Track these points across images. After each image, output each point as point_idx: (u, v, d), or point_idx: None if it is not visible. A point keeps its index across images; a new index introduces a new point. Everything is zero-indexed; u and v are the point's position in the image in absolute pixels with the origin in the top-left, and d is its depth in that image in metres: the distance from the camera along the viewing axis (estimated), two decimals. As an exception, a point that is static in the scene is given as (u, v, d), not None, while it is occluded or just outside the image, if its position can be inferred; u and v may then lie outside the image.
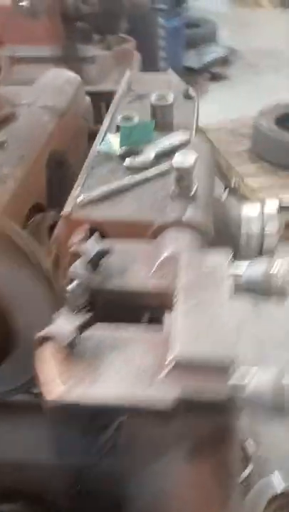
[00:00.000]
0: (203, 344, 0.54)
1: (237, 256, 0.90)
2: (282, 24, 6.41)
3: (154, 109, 1.04)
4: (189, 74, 4.93)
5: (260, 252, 0.92)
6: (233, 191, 1.80)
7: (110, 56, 2.67)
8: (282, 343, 2.48)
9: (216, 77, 5.08)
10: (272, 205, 0.97)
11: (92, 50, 2.64)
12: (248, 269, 0.69)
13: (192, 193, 0.78)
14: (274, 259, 0.71)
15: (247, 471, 1.78)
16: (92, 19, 2.61)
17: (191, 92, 1.32)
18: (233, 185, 1.84)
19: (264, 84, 4.97)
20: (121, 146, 0.97)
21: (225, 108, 4.48)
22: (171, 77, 1.49)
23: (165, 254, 0.69)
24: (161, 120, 1.03)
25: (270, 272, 0.67)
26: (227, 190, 1.61)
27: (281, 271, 0.68)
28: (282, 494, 1.75)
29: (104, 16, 2.58)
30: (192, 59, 4.89)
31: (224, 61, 5.28)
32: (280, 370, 0.55)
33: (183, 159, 0.75)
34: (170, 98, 1.07)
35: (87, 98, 1.43)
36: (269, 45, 5.76)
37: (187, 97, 1.29)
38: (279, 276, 0.67)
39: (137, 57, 2.73)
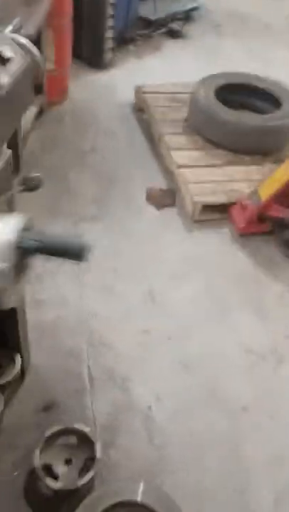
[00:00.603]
0: None
1: None
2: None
3: None
4: (144, 26, 4.57)
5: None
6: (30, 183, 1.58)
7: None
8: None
9: (173, 34, 4.72)
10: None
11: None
12: None
13: None
14: None
15: (90, 474, 1.66)
16: None
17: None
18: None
19: (223, 49, 4.66)
20: None
21: (175, 69, 4.18)
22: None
23: None
24: None
25: None
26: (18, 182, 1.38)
27: None
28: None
29: None
30: (150, 10, 4.50)
31: (186, 17, 4.91)
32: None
33: None
34: None
35: None
36: (241, 9, 5.39)
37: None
38: None
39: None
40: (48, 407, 1.90)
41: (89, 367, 2.04)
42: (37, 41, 2.85)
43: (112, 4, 3.79)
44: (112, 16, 3.86)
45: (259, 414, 1.95)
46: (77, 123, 3.49)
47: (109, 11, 3.81)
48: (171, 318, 2.27)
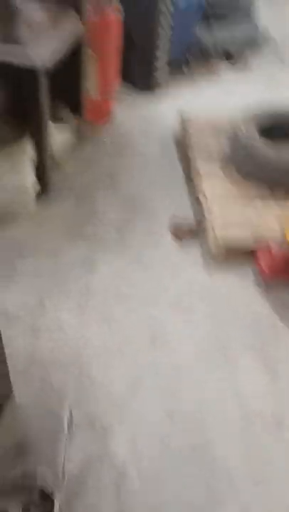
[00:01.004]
0: None
1: None
2: None
3: None
4: (201, 50, 4.47)
5: None
6: None
7: (49, 16, 2.32)
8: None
9: (231, 60, 4.58)
10: None
11: (30, 4, 2.29)
12: None
13: None
14: None
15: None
16: None
17: None
18: None
19: (286, 79, 4.46)
20: None
21: (230, 97, 4.03)
22: None
23: None
24: None
25: None
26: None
27: None
28: None
29: None
30: (208, 34, 4.40)
31: (248, 43, 4.76)
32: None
33: None
34: None
35: None
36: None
37: None
38: None
39: (76, 23, 2.36)
40: (18, 448, 1.80)
41: (71, 408, 1.93)
42: (67, 65, 2.84)
43: (165, 28, 3.73)
44: (164, 40, 3.80)
45: (243, 481, 1.75)
46: (116, 147, 3.44)
47: (160, 35, 3.76)
48: (169, 361, 2.12)
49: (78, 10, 2.72)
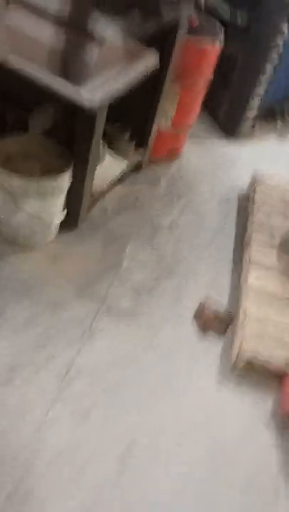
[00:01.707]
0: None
1: None
2: None
3: None
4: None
5: None
6: None
7: (128, 47, 1.92)
8: None
9: None
10: None
11: (109, 28, 1.90)
12: None
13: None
14: None
15: None
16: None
17: None
18: None
19: None
20: None
21: None
22: None
23: None
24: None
25: None
26: None
27: None
28: None
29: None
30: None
31: None
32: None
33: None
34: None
35: None
36: None
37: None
38: None
39: (151, 59, 1.94)
40: None
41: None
42: (140, 88, 2.45)
43: (265, 73, 3.25)
44: (266, 80, 3.31)
45: None
46: (170, 190, 3.03)
47: (260, 80, 3.28)
48: (139, 498, 1.69)
49: (168, 41, 2.32)
